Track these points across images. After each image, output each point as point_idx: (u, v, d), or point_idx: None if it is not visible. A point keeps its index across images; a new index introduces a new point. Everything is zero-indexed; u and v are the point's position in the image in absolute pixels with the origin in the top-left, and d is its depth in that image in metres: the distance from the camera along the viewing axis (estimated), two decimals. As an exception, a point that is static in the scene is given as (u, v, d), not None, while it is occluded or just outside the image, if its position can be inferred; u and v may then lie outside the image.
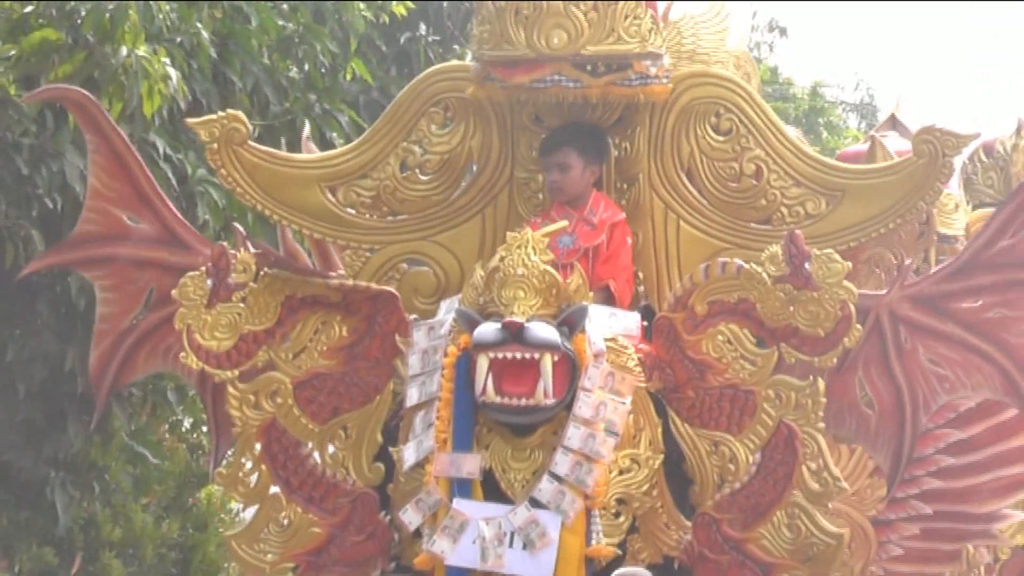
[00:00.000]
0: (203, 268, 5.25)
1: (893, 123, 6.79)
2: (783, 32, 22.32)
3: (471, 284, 5.14)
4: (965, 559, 6.07)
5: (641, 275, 5.48)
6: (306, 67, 8.92)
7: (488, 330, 4.98)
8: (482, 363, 4.97)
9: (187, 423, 9.70)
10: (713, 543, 5.13)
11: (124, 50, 7.66)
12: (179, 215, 5.59)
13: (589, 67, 5.23)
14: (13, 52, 7.69)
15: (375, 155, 5.54)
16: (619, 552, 5.08)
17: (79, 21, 7.76)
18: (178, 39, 8.20)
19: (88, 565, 9.42)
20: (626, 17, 5.24)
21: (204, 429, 9.87)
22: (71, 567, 9.30)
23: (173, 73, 7.82)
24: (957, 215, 6.59)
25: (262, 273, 5.29)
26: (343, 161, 5.57)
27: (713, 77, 5.48)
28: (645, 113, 5.42)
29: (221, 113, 5.52)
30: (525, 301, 5.01)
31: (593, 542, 5.02)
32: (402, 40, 10.38)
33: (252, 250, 5.30)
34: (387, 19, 9.47)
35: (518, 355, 4.95)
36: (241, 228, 5.55)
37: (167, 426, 9.64)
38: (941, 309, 5.19)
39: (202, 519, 10.21)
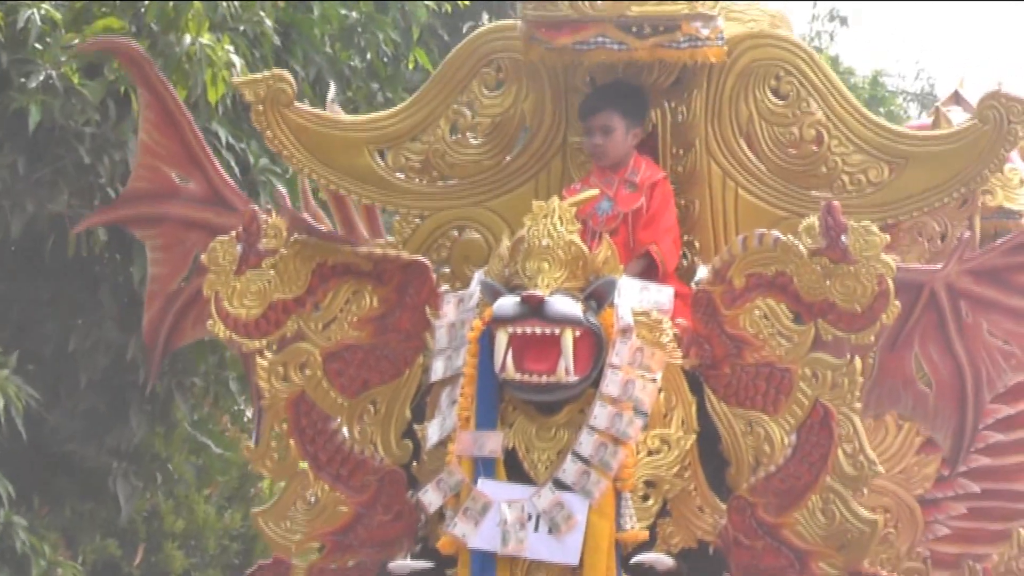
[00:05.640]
0: (233, 233, 5.14)
1: (956, 99, 6.63)
2: (843, 21, 22.05)
3: (497, 255, 5.01)
4: (1016, 540, 5.88)
5: (698, 244, 5.32)
6: (368, 56, 8.85)
7: (507, 304, 4.83)
8: (501, 338, 4.82)
9: (249, 413, 9.64)
10: (748, 528, 4.96)
11: (188, 38, 7.62)
12: (225, 175, 5.48)
13: (634, 28, 5.07)
14: (76, 41, 7.67)
15: (425, 117, 5.39)
16: (647, 537, 4.91)
17: (143, 10, 7.73)
18: (241, 28, 8.15)
19: (151, 556, 9.40)
20: None
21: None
22: (134, 558, 9.28)
23: (237, 60, 7.77)
24: (1022, 190, 6.42)
25: (292, 239, 5.16)
26: (392, 123, 5.42)
27: (773, 38, 5.29)
28: (702, 76, 5.23)
29: (267, 72, 5.41)
30: (549, 273, 4.86)
31: (628, 526, 4.87)
32: (464, 29, 10.29)
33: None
34: (449, 8, 9.38)
35: (538, 330, 4.79)
36: (284, 191, 5.43)
37: (229, 416, 9.60)
38: (1005, 282, 5.02)
39: (265, 510, 10.13)
